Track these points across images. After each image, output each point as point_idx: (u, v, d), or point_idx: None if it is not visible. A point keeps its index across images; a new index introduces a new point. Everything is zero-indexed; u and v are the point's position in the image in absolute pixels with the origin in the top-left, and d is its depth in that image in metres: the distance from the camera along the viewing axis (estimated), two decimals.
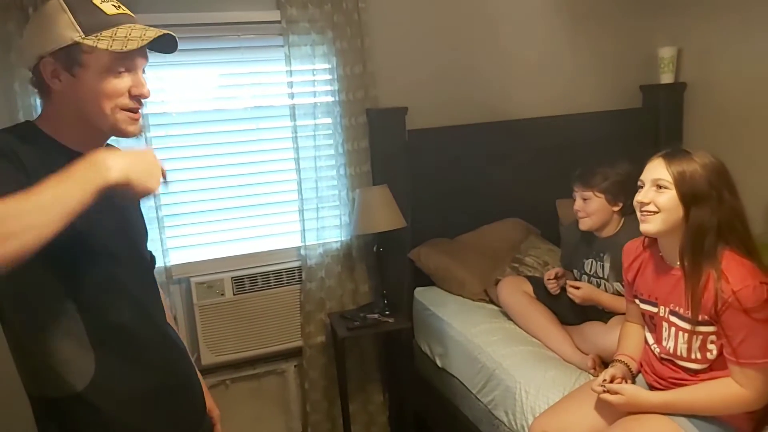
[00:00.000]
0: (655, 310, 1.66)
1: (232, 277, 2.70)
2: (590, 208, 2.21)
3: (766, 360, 1.45)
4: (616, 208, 2.21)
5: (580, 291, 2.18)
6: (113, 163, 0.98)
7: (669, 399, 1.58)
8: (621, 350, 1.80)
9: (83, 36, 1.11)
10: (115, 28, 1.13)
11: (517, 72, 3.09)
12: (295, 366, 2.89)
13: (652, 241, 1.69)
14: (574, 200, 2.27)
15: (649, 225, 1.56)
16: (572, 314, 2.27)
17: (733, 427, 1.54)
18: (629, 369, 1.73)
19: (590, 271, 2.28)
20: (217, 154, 2.70)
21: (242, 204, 2.77)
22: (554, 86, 3.16)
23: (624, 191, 2.19)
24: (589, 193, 2.20)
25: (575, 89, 3.21)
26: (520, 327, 2.36)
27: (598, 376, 1.96)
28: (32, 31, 1.15)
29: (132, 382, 1.21)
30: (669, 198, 1.52)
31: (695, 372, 1.58)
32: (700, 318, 1.51)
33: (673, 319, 1.60)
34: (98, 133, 1.21)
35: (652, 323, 1.69)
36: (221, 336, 2.70)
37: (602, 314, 2.16)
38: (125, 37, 1.13)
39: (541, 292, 2.36)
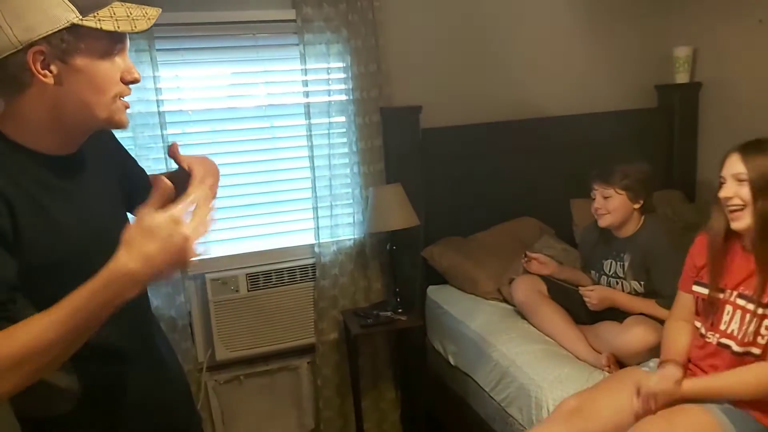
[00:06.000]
0: (720, 295, 1.66)
1: (246, 274, 2.72)
2: (611, 205, 2.21)
3: None
4: (636, 206, 2.21)
5: (596, 293, 2.18)
6: (140, 278, 0.89)
7: (702, 385, 1.60)
8: (668, 353, 1.74)
9: (81, 17, 0.96)
10: (109, 7, 1.00)
11: (532, 71, 3.09)
12: (308, 362, 2.91)
13: (732, 234, 1.68)
14: (593, 199, 2.27)
15: (740, 222, 1.59)
16: (586, 314, 2.26)
17: (764, 425, 1.55)
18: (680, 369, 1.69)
19: (609, 271, 2.28)
20: (232, 152, 2.72)
21: (257, 201, 2.79)
22: (569, 86, 3.16)
23: (644, 189, 2.21)
24: (610, 191, 2.21)
25: (590, 89, 3.20)
26: (533, 326, 2.36)
27: (612, 372, 1.96)
28: (11, 12, 0.94)
29: (117, 403, 1.17)
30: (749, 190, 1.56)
31: (740, 355, 1.58)
32: (766, 300, 1.54)
33: (739, 301, 1.61)
34: (81, 130, 1.08)
35: (711, 309, 1.68)
36: (235, 332, 2.72)
37: (617, 314, 2.16)
38: (127, 16, 1.00)
39: (555, 292, 2.36)
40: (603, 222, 2.25)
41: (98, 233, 1.11)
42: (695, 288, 1.75)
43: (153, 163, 2.51)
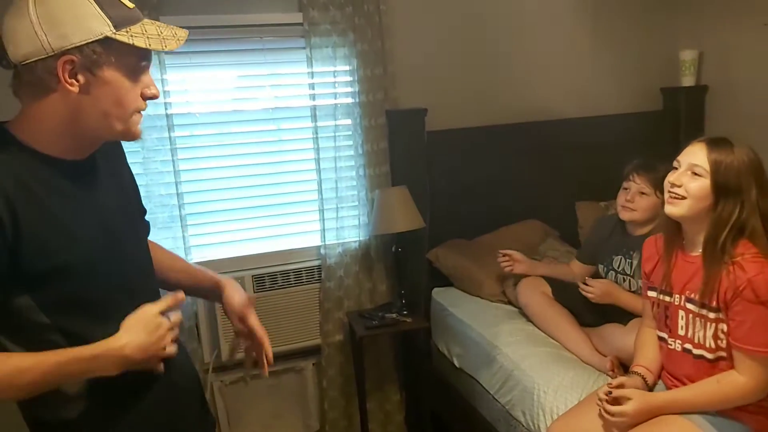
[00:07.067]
0: (669, 299, 1.65)
1: (252, 276, 2.73)
2: (644, 203, 2.19)
3: None
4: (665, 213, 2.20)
5: (599, 286, 2.16)
6: (128, 363, 1.05)
7: (671, 398, 1.58)
8: (638, 360, 1.76)
9: (114, 31, 0.99)
10: (141, 24, 1.03)
11: (538, 74, 3.09)
12: (313, 364, 2.92)
13: (674, 234, 1.67)
14: (625, 189, 2.24)
15: (675, 208, 1.57)
16: (591, 316, 2.27)
17: (751, 427, 1.54)
18: (645, 381, 1.69)
19: (618, 267, 2.27)
20: (239, 154, 2.74)
21: (263, 203, 2.80)
22: (574, 88, 3.16)
23: None
24: (650, 190, 2.18)
25: (596, 91, 3.20)
26: (538, 328, 2.36)
27: (616, 377, 1.96)
28: (48, 18, 0.96)
29: (127, 408, 1.16)
30: (700, 186, 1.52)
31: (710, 361, 1.56)
32: (713, 304, 1.52)
33: (689, 306, 1.59)
34: (95, 139, 1.10)
35: (665, 314, 1.67)
36: None
37: (621, 316, 2.16)
38: (158, 35, 1.03)
39: (560, 294, 2.36)
40: (626, 215, 2.23)
41: (105, 238, 1.11)
42: (649, 293, 1.75)
43: (160, 165, 2.53)
